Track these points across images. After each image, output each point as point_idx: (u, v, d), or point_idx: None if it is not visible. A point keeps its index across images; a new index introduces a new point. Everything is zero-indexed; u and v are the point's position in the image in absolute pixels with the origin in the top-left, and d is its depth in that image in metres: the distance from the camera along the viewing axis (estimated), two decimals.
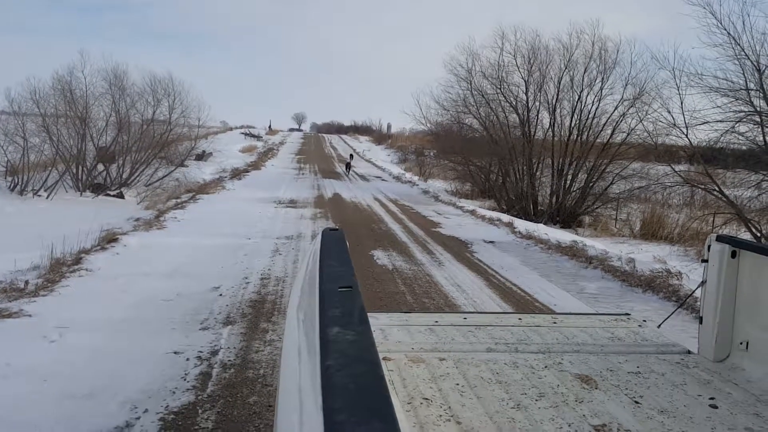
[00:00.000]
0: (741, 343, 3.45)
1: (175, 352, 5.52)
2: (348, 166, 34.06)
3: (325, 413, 1.07)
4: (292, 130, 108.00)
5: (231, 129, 67.50)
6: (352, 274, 2.43)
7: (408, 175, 32.98)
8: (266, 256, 10.06)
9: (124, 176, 20.33)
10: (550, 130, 21.27)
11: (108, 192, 19.25)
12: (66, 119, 19.40)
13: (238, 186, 22.99)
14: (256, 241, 11.52)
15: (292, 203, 18.46)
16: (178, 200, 17.12)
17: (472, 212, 18.11)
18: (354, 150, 56.56)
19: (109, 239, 10.26)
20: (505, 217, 16.50)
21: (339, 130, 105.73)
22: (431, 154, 36.33)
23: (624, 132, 19.83)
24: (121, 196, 19.17)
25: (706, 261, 3.70)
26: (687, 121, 14.98)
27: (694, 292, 3.95)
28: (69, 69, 19.68)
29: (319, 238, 3.11)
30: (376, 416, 1.05)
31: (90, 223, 10.61)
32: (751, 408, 2.93)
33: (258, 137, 61.71)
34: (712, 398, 3.00)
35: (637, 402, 2.88)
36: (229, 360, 5.42)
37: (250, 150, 44.97)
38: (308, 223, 14.33)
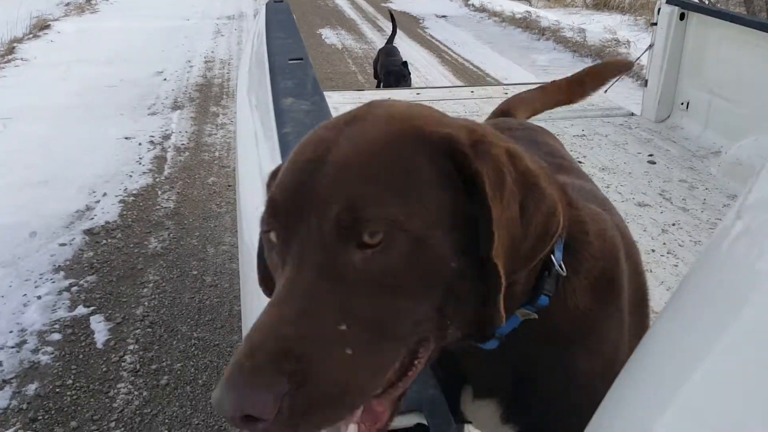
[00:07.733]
0: (682, 104, 3.58)
1: (126, 138, 5.47)
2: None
3: None
4: None
5: None
6: (301, 45, 2.37)
7: None
8: (208, 38, 9.64)
9: None
10: None
11: None
12: None
13: None
14: (196, 22, 10.94)
15: None
16: None
17: None
18: None
19: (41, 26, 9.67)
20: None
21: None
22: None
23: None
24: None
25: (655, 24, 3.71)
26: None
27: (641, 56, 4.00)
28: None
29: (263, 11, 2.97)
30: None
31: (17, 9, 9.84)
32: (687, 162, 3.12)
33: None
34: (650, 155, 3.19)
35: (580, 162, 3.03)
36: (183, 144, 5.42)
37: None
38: (248, 0, 13.55)
